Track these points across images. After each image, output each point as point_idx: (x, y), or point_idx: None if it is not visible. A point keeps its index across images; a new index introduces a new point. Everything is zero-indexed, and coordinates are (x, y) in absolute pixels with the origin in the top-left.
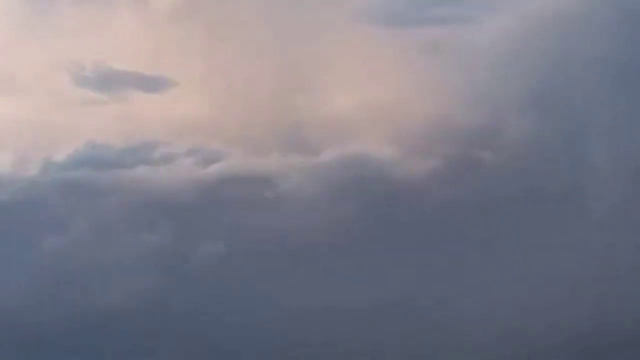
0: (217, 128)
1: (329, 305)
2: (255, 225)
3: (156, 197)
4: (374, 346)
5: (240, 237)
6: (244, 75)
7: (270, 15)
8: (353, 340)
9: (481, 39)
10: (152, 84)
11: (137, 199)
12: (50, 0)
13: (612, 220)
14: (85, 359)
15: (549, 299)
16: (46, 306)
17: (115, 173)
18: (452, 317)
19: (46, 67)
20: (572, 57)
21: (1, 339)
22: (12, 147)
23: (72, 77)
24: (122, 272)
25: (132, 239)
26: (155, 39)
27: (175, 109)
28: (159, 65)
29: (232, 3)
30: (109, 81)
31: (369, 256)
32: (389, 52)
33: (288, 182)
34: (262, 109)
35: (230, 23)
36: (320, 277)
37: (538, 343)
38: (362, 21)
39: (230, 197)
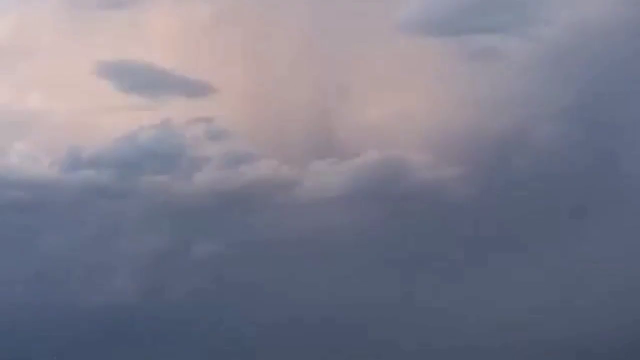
0: (253, 133)
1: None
2: (284, 227)
3: (186, 200)
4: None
5: (271, 237)
6: (284, 81)
7: (313, 23)
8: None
9: (523, 48)
10: (194, 89)
11: (172, 200)
12: (93, 4)
13: None
14: None
15: (586, 295)
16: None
17: (145, 177)
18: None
19: (88, 69)
20: (614, 68)
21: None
22: (46, 146)
23: (116, 80)
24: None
25: (166, 238)
26: (198, 43)
27: (214, 114)
28: (201, 70)
29: (276, 9)
30: (151, 85)
31: (396, 255)
32: (430, 60)
33: (318, 185)
34: (299, 115)
35: (273, 29)
36: (351, 274)
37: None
38: (405, 30)
39: (262, 200)
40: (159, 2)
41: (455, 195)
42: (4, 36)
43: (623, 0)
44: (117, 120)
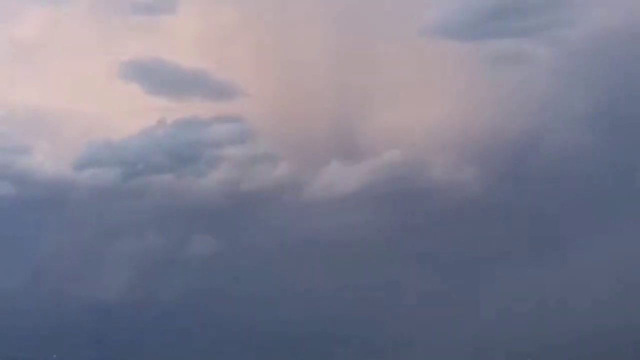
0: (276, 135)
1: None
2: (303, 226)
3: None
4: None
5: (291, 236)
6: (307, 84)
7: (337, 28)
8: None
9: (546, 52)
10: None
11: (189, 199)
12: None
13: None
14: None
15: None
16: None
17: (165, 176)
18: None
19: (114, 71)
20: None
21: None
22: (69, 145)
23: (143, 81)
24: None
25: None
26: (225, 46)
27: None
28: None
29: (301, 13)
30: (177, 85)
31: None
32: (453, 64)
33: (338, 185)
34: (322, 118)
35: (298, 32)
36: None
37: None
38: (430, 34)
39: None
40: (189, 8)
41: (472, 194)
42: (32, 34)
43: None
44: (140, 120)
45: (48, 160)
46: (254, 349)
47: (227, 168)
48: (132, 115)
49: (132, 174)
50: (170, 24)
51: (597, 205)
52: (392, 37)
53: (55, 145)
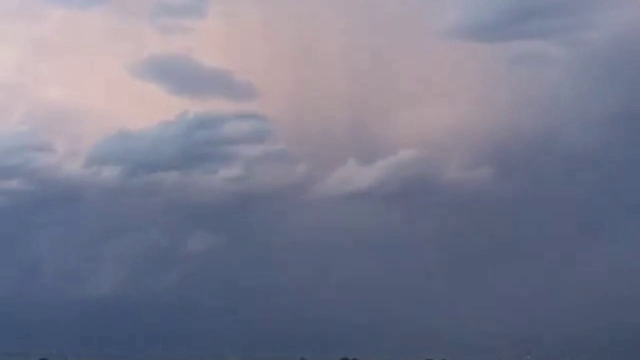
0: (293, 135)
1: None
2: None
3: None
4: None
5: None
6: (325, 86)
7: (356, 32)
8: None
9: (567, 53)
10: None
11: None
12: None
13: None
14: None
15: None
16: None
17: (175, 173)
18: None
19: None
20: None
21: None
22: (86, 143)
23: (164, 80)
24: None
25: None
26: (245, 48)
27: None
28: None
29: (319, 18)
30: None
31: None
32: (473, 65)
33: (355, 183)
34: (338, 119)
35: (317, 35)
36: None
37: None
38: (451, 35)
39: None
40: (213, 12)
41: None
42: (53, 31)
43: None
44: (157, 117)
45: (67, 158)
46: None
47: (246, 165)
48: (147, 111)
49: (147, 170)
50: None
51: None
52: (413, 37)
53: (73, 144)
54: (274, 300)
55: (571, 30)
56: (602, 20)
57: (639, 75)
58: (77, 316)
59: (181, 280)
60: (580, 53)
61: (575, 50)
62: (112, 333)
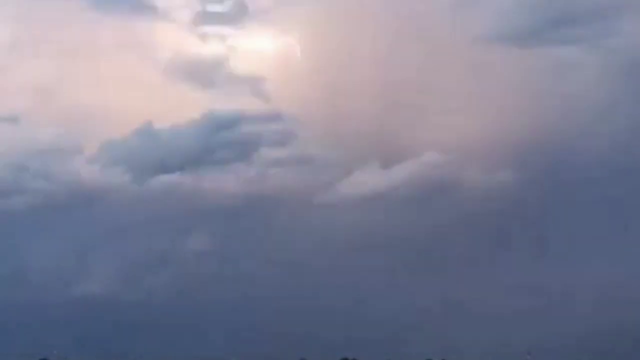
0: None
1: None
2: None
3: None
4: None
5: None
6: (357, 91)
7: (388, 38)
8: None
9: (598, 60)
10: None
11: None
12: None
13: None
14: None
15: None
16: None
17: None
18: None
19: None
20: None
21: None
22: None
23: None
24: None
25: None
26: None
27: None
28: None
29: (352, 22)
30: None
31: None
32: (503, 70)
33: (377, 186)
34: (366, 124)
35: (348, 40)
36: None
37: None
38: (483, 41)
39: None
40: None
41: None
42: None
43: None
44: (182, 118)
45: (93, 161)
46: None
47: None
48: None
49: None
50: None
51: None
52: (446, 43)
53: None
54: (278, 301)
55: (602, 37)
56: (631, 28)
57: None
58: (77, 316)
59: (186, 281)
60: (609, 60)
61: (604, 57)
62: (112, 334)
